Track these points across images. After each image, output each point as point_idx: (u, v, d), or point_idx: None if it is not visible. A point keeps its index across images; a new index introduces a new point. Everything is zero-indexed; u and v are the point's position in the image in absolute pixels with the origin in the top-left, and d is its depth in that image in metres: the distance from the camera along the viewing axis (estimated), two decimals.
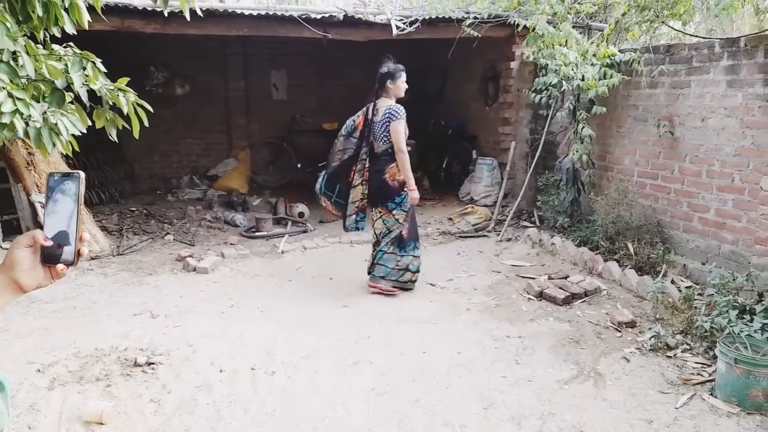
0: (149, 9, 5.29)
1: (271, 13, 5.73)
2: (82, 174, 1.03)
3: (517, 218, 6.61)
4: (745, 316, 3.47)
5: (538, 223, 6.42)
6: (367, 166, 4.46)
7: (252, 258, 5.54)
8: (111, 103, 2.34)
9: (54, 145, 2.18)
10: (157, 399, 3.04)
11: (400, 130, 4.30)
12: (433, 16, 6.24)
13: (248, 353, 3.57)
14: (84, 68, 2.18)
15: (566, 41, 5.31)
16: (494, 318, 4.15)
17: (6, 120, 1.93)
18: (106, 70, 2.30)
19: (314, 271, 5.20)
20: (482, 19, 6.20)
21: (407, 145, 4.62)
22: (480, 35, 6.09)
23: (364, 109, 4.51)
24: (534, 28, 5.30)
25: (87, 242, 1.07)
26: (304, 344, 3.71)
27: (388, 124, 4.31)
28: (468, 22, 6.01)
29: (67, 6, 2.11)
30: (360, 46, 6.56)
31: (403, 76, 4.40)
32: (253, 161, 9.03)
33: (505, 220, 6.36)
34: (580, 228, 5.67)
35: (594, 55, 5.34)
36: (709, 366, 3.34)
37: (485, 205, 7.11)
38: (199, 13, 2.86)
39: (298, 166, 8.80)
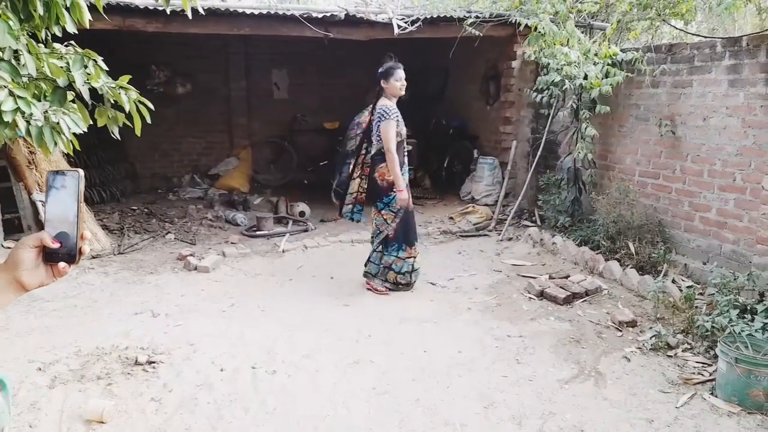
0: (151, 8, 5.30)
1: (272, 12, 5.73)
2: (82, 172, 1.04)
3: (518, 217, 6.61)
4: (746, 315, 3.47)
5: (539, 223, 6.42)
6: (367, 161, 4.49)
7: (253, 257, 5.55)
8: (113, 101, 2.34)
9: (55, 143, 2.19)
10: (158, 398, 3.05)
11: (388, 130, 4.28)
12: (435, 15, 6.24)
13: (249, 352, 3.58)
14: (85, 66, 2.18)
15: (568, 40, 5.31)
16: (495, 317, 4.15)
17: (8, 118, 1.93)
18: (107, 69, 2.30)
19: (315, 270, 5.20)
20: (484, 18, 6.19)
21: (409, 144, 4.62)
22: (481, 34, 6.08)
23: (369, 107, 4.52)
24: (536, 28, 5.29)
25: (88, 240, 1.07)
26: (304, 343, 3.71)
27: (379, 123, 4.32)
28: (469, 21, 6.00)
29: (68, 5, 2.11)
30: (361, 45, 6.56)
31: (397, 75, 4.34)
32: (254, 160, 9.03)
33: (506, 220, 6.36)
34: (581, 227, 5.67)
35: (596, 55, 5.33)
36: (710, 365, 3.33)
37: (486, 205, 7.11)
38: (201, 11, 2.86)
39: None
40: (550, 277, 4.78)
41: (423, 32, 6.21)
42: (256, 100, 9.18)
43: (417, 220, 6.65)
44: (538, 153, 6.26)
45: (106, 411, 2.80)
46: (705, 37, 5.31)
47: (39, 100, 2.18)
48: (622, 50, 5.34)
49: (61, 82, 2.17)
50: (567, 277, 4.77)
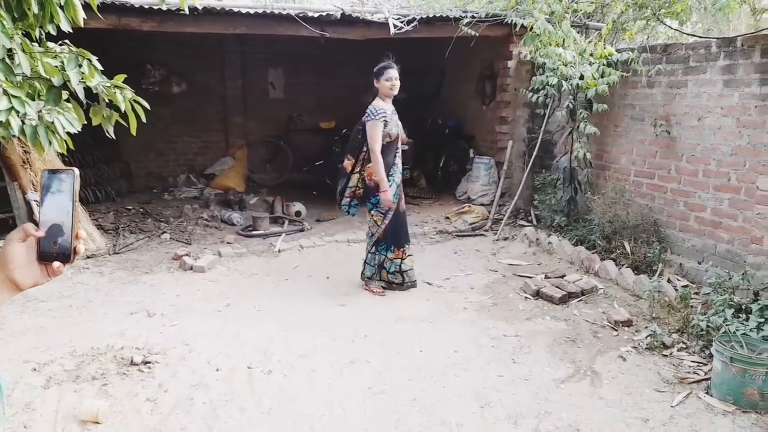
0: (146, 7, 5.28)
1: (268, 11, 5.72)
2: (77, 170, 1.03)
3: (514, 217, 6.62)
4: (740, 314, 3.48)
5: (535, 222, 6.43)
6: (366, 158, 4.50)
7: (249, 257, 5.54)
8: (108, 101, 2.33)
9: (50, 143, 2.18)
10: (153, 398, 3.04)
11: (372, 129, 4.28)
12: (431, 15, 6.24)
13: (245, 352, 3.57)
14: (80, 66, 2.17)
15: (564, 40, 5.32)
16: (491, 317, 4.15)
17: (1, 118, 1.92)
18: (102, 68, 2.29)
19: (311, 270, 5.19)
20: (480, 18, 6.20)
21: (406, 144, 4.62)
22: (477, 34, 6.09)
23: None
24: (532, 27, 5.30)
25: (83, 240, 1.06)
26: (300, 343, 3.71)
27: (366, 123, 4.34)
28: (465, 21, 6.01)
29: (62, 3, 2.10)
30: (357, 44, 6.55)
31: (387, 74, 4.32)
32: (250, 160, 9.01)
33: (502, 219, 6.37)
34: (577, 227, 5.68)
35: (591, 55, 5.34)
36: (705, 365, 3.35)
37: (482, 204, 7.12)
38: (198, 6, 2.85)
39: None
40: (546, 277, 4.79)
41: (419, 32, 6.21)
42: (252, 100, 9.17)
43: (413, 220, 6.69)
44: (534, 153, 6.27)
45: (102, 411, 2.79)
46: (700, 37, 5.33)
47: (33, 100, 2.17)
48: (617, 50, 5.35)
49: (56, 81, 2.16)
50: (563, 276, 4.77)
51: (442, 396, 3.09)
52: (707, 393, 3.09)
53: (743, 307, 3.54)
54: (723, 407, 2.96)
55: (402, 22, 6.12)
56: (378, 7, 6.35)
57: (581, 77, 5.30)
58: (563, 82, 5.45)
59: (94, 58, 2.24)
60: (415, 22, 6.12)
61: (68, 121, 2.22)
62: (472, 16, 6.15)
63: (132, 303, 4.35)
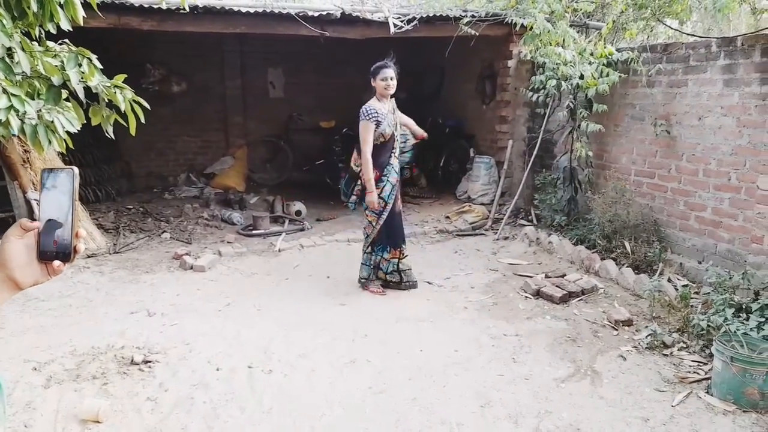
0: (146, 6, 5.27)
1: (268, 10, 5.71)
2: (76, 169, 1.03)
3: (515, 217, 6.62)
4: (741, 314, 3.48)
5: (535, 222, 6.43)
6: None
7: (249, 256, 5.54)
8: (107, 101, 2.32)
9: (50, 142, 2.17)
10: (153, 397, 3.04)
11: (363, 130, 4.31)
12: (431, 15, 6.24)
13: (245, 352, 3.57)
14: (80, 65, 2.17)
15: (563, 40, 5.31)
16: (491, 316, 4.15)
17: (1, 117, 1.92)
18: (102, 67, 2.29)
19: (311, 270, 5.19)
20: (480, 17, 6.20)
21: (418, 140, 4.64)
22: (477, 34, 6.08)
23: None
24: (531, 27, 5.30)
25: (83, 239, 1.06)
26: (301, 343, 3.71)
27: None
28: (465, 20, 6.00)
29: (62, 2, 2.10)
30: (358, 44, 6.55)
31: (382, 74, 4.30)
32: (250, 159, 9.01)
33: (502, 219, 6.37)
34: (577, 226, 5.68)
35: (591, 54, 5.34)
36: (706, 364, 3.34)
37: (482, 204, 7.12)
38: (199, 4, 2.85)
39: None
40: (546, 276, 4.78)
41: (419, 31, 6.21)
42: (252, 99, 9.16)
43: (413, 219, 6.70)
44: (534, 152, 6.27)
45: (102, 410, 2.79)
46: (700, 37, 5.33)
47: (33, 99, 2.17)
48: (617, 50, 5.35)
49: (56, 80, 2.16)
50: (563, 276, 4.77)
51: (442, 395, 3.09)
52: (708, 392, 3.09)
53: (744, 307, 3.53)
54: (723, 407, 2.95)
55: (402, 22, 6.11)
56: (378, 7, 6.35)
57: (581, 77, 5.30)
58: (562, 81, 5.45)
59: (93, 57, 2.24)
60: (415, 22, 6.11)
61: (68, 120, 2.22)
62: (472, 16, 6.15)
63: (132, 302, 4.35)
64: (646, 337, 3.65)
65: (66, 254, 1.02)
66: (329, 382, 3.23)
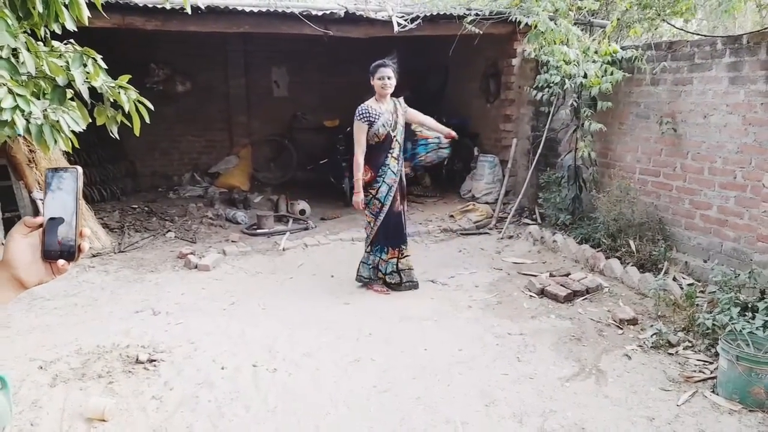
0: (150, 6, 5.28)
1: (272, 9, 5.72)
2: (80, 169, 1.03)
3: (519, 215, 6.61)
4: (747, 313, 3.46)
5: (539, 221, 6.42)
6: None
7: (253, 255, 5.54)
8: (112, 100, 2.33)
9: (55, 141, 2.18)
10: (158, 396, 3.05)
11: (355, 131, 4.34)
12: (435, 13, 6.23)
13: (250, 350, 3.58)
14: (85, 65, 2.17)
15: (567, 38, 5.30)
16: (496, 315, 4.15)
17: (6, 117, 1.93)
18: (107, 67, 2.29)
19: (315, 269, 5.20)
20: (484, 16, 6.18)
21: (448, 139, 4.64)
22: (481, 32, 6.07)
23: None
24: (535, 25, 5.28)
25: (88, 238, 1.06)
26: (305, 341, 3.71)
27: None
28: (469, 19, 5.99)
29: (67, 2, 2.11)
30: (361, 43, 6.55)
31: (380, 73, 4.28)
32: (254, 158, 9.02)
33: (506, 218, 6.35)
34: (582, 225, 5.67)
35: (596, 52, 5.32)
36: (711, 363, 3.33)
37: (487, 203, 7.10)
38: (201, 6, 2.85)
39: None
40: (551, 275, 4.78)
41: (423, 30, 6.20)
42: (256, 98, 9.17)
43: (417, 218, 6.69)
44: (539, 151, 6.25)
45: (107, 409, 2.80)
46: (705, 35, 5.30)
47: (38, 99, 2.18)
48: (622, 48, 5.33)
49: (61, 80, 2.17)
50: (568, 275, 4.76)
51: (446, 394, 3.09)
52: (713, 392, 3.08)
53: (749, 306, 3.52)
54: (729, 406, 2.94)
55: (406, 21, 6.10)
56: (382, 6, 6.34)
57: (584, 75, 5.28)
58: (566, 80, 5.44)
59: (98, 57, 2.25)
60: (418, 20, 6.10)
61: (73, 120, 2.23)
62: (476, 14, 6.14)
63: (137, 301, 4.36)
64: (651, 336, 3.64)
65: (70, 253, 1.02)
66: (334, 380, 3.23)
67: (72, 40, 2.32)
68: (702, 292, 4.18)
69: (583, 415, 2.90)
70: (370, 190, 4.41)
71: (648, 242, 4.90)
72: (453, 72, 8.72)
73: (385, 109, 4.37)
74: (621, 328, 3.87)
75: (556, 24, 5.23)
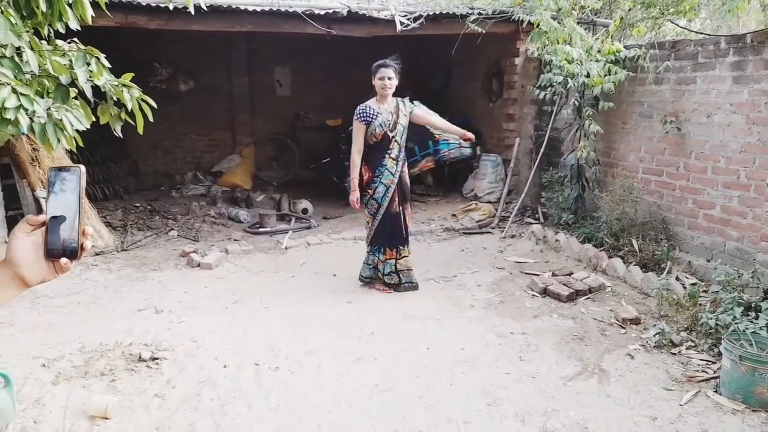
0: (153, 5, 5.29)
1: (275, 9, 5.72)
2: (83, 168, 1.03)
3: (521, 215, 6.60)
4: (750, 313, 3.45)
5: (542, 220, 6.41)
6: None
7: (256, 254, 5.55)
8: (115, 99, 2.34)
9: (58, 140, 2.19)
10: (161, 394, 3.05)
11: (353, 131, 4.35)
12: (437, 12, 6.22)
13: (252, 349, 3.58)
14: (88, 64, 2.18)
15: (570, 37, 5.29)
16: (498, 314, 4.14)
17: (10, 116, 1.93)
18: (110, 66, 2.30)
19: (318, 268, 5.20)
20: (486, 15, 6.18)
21: (463, 140, 4.66)
22: (484, 31, 6.07)
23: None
24: (538, 24, 5.28)
25: (90, 236, 1.06)
26: (307, 340, 3.71)
27: None
28: (472, 18, 5.99)
29: (71, 1, 2.11)
30: (364, 42, 6.55)
31: (381, 73, 4.25)
32: (256, 157, 9.03)
33: (509, 217, 6.35)
34: (585, 225, 5.66)
35: (599, 51, 5.31)
36: (714, 363, 3.32)
37: (489, 202, 7.10)
38: (203, 6, 2.86)
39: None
40: (554, 275, 4.77)
41: (425, 29, 6.20)
42: (259, 97, 9.18)
43: (420, 217, 6.68)
44: (541, 150, 6.24)
45: (110, 407, 2.80)
46: (708, 34, 5.29)
47: (42, 97, 2.19)
48: (625, 47, 5.32)
49: (64, 79, 2.18)
50: (570, 274, 4.76)
51: (448, 393, 3.09)
52: (716, 391, 3.07)
53: (753, 305, 3.51)
54: (732, 406, 2.94)
55: (408, 20, 6.10)
56: (384, 5, 6.34)
57: (587, 75, 5.27)
58: (569, 79, 5.43)
59: (102, 56, 2.25)
60: (421, 20, 6.10)
61: (76, 118, 2.24)
62: (479, 13, 6.13)
63: (140, 300, 4.37)
64: (654, 335, 3.63)
65: (73, 252, 1.02)
66: (336, 379, 3.23)
67: (75, 39, 2.33)
68: (705, 291, 4.17)
69: (586, 414, 2.90)
70: (368, 190, 4.41)
71: (651, 242, 4.89)
72: (456, 71, 8.71)
73: (385, 109, 4.34)
74: (624, 328, 3.86)
75: (559, 23, 5.23)
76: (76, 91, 2.27)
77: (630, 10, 5.99)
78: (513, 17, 6.15)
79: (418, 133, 4.86)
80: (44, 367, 3.29)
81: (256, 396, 3.05)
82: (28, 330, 3.80)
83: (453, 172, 8.18)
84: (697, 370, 3.29)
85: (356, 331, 3.85)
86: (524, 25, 5.83)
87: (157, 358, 3.41)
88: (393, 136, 4.37)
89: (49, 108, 2.18)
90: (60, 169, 1.03)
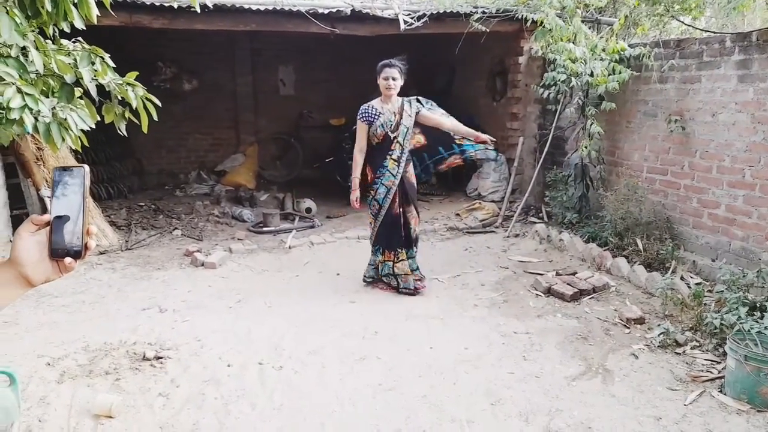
0: (157, 4, 5.30)
1: (278, 8, 5.72)
2: (87, 167, 1.03)
3: (525, 214, 6.59)
4: (755, 312, 3.44)
5: (546, 219, 6.40)
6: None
7: (259, 253, 5.56)
8: (120, 98, 2.34)
9: (63, 140, 2.19)
10: (165, 393, 3.06)
11: (357, 130, 4.36)
12: (441, 11, 6.21)
13: (256, 348, 3.59)
14: (93, 63, 2.18)
15: (575, 36, 5.27)
16: (502, 314, 4.14)
17: (15, 115, 1.94)
18: (114, 65, 2.30)
19: (321, 267, 5.20)
20: (490, 13, 6.16)
21: (481, 143, 4.68)
22: (488, 30, 6.06)
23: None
24: (542, 23, 5.26)
25: (95, 236, 1.07)
26: (311, 339, 3.72)
27: None
28: (476, 16, 5.97)
29: (76, 1, 2.11)
30: (368, 41, 6.54)
31: (385, 73, 4.22)
32: (260, 157, 9.04)
33: (512, 216, 6.34)
34: (589, 224, 5.65)
35: (603, 50, 5.29)
36: (719, 363, 3.31)
37: (493, 201, 7.09)
38: (209, 4, 2.85)
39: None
40: (557, 274, 4.76)
41: (429, 28, 6.19)
42: (263, 97, 9.19)
43: (423, 217, 6.67)
44: (545, 149, 6.23)
45: (114, 406, 2.81)
46: (714, 32, 5.26)
47: (47, 97, 2.19)
48: (630, 46, 5.30)
49: (69, 78, 2.18)
50: (574, 273, 4.75)
51: (452, 393, 3.09)
52: (721, 392, 3.06)
53: (758, 305, 3.50)
54: (737, 406, 2.93)
55: (412, 18, 6.09)
56: (388, 4, 6.33)
57: (591, 74, 5.26)
58: (572, 78, 5.41)
59: (106, 56, 2.26)
60: (425, 18, 6.09)
61: (81, 118, 2.24)
62: (483, 12, 6.11)
63: (144, 299, 4.38)
64: (659, 335, 3.62)
65: (77, 251, 1.02)
66: (339, 378, 3.24)
67: (80, 39, 2.33)
68: (710, 291, 4.15)
69: (590, 414, 2.89)
70: (370, 191, 4.41)
71: (655, 241, 4.87)
72: (459, 70, 8.69)
73: (388, 110, 4.32)
74: (628, 328, 3.85)
75: (564, 21, 5.21)
76: (81, 90, 2.27)
77: (635, 7, 5.96)
78: (517, 16, 6.13)
79: (437, 138, 4.86)
80: (49, 366, 3.30)
81: (259, 395, 3.06)
82: (33, 329, 3.81)
83: (456, 172, 8.16)
84: (702, 370, 3.28)
85: (360, 331, 3.85)
86: (528, 24, 5.82)
87: (161, 357, 3.42)
88: (395, 137, 4.33)
89: (54, 107, 2.18)
90: (64, 169, 1.03)
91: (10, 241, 5.24)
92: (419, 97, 4.56)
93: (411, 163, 4.52)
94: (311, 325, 3.93)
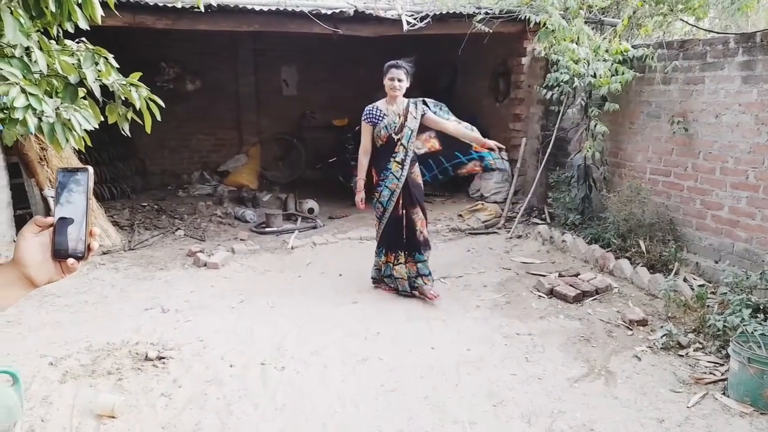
0: (161, 4, 5.31)
1: (281, 8, 5.73)
2: (91, 169, 1.04)
3: (528, 215, 6.58)
4: (758, 315, 3.43)
5: (548, 220, 6.39)
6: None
7: (262, 253, 5.56)
8: (123, 98, 2.34)
9: (67, 140, 2.20)
10: (167, 393, 3.06)
11: (362, 131, 4.36)
12: (444, 12, 6.21)
13: (258, 348, 3.59)
14: (96, 63, 2.19)
15: (578, 37, 5.27)
16: (504, 315, 4.13)
17: (19, 115, 1.94)
18: (118, 66, 2.30)
19: (324, 267, 5.20)
20: (493, 14, 6.16)
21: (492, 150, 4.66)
22: (491, 31, 6.05)
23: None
24: (545, 23, 5.26)
25: (98, 236, 1.07)
26: (313, 340, 3.72)
27: None
28: (479, 17, 5.97)
29: (80, 1, 2.12)
30: (371, 42, 6.54)
31: (391, 73, 4.19)
32: (263, 157, 9.05)
33: (515, 217, 6.33)
34: (592, 225, 5.64)
35: (606, 51, 5.29)
36: (722, 365, 3.30)
37: (495, 202, 7.08)
38: (213, 4, 2.86)
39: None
40: (560, 275, 4.75)
41: (432, 29, 6.19)
42: (265, 97, 9.20)
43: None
44: (548, 150, 6.22)
45: (117, 406, 2.82)
46: (718, 33, 5.24)
47: (51, 97, 2.19)
48: (633, 46, 5.29)
49: (73, 79, 2.18)
50: (577, 275, 4.74)
51: (454, 394, 3.09)
52: (724, 394, 3.05)
53: (761, 307, 3.49)
54: (740, 408, 2.92)
55: (415, 19, 6.09)
56: (391, 4, 6.34)
57: (594, 75, 5.25)
58: (575, 79, 5.40)
59: (110, 56, 2.26)
60: (428, 19, 6.09)
61: (85, 118, 2.24)
62: (486, 13, 6.11)
63: (147, 299, 4.39)
64: (662, 337, 3.61)
65: (80, 252, 1.03)
66: (342, 379, 3.24)
67: (84, 39, 2.34)
68: (713, 293, 4.14)
69: (592, 416, 2.88)
70: (375, 193, 4.41)
71: (658, 243, 4.86)
72: (462, 71, 8.69)
73: (392, 111, 4.28)
74: (630, 329, 3.85)
75: (567, 22, 5.20)
76: (85, 90, 2.27)
77: (638, 9, 5.95)
78: (520, 17, 6.13)
79: (453, 143, 4.83)
80: (52, 366, 3.30)
81: (262, 395, 3.06)
82: (36, 329, 3.82)
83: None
84: (705, 372, 3.27)
85: (362, 331, 3.85)
86: (531, 25, 5.81)
87: (163, 358, 3.42)
88: (398, 139, 4.29)
89: (58, 107, 2.19)
90: (68, 170, 1.03)
91: (14, 241, 5.25)
92: (426, 99, 4.52)
93: (417, 164, 4.46)
94: (313, 326, 3.93)
